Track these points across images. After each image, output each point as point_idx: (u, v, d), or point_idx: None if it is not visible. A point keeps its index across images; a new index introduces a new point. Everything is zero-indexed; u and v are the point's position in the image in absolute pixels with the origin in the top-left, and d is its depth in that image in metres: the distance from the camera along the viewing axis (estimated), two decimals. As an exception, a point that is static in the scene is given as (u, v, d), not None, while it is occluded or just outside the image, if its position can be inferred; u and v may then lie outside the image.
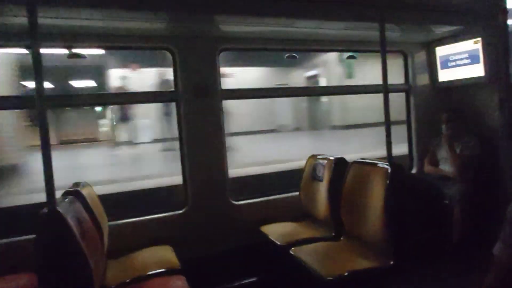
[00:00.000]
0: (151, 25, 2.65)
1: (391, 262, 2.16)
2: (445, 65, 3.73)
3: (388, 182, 2.20)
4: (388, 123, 2.34)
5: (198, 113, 2.94)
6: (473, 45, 3.41)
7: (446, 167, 3.50)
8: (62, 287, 1.65)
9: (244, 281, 2.99)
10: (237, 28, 2.89)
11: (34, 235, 1.63)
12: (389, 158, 2.34)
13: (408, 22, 3.06)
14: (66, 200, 1.92)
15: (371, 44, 3.45)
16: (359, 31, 3.10)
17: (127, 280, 2.20)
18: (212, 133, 2.99)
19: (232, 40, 3.10)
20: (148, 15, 2.45)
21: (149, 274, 2.24)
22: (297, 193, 3.23)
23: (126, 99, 3.05)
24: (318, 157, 3.11)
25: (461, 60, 3.56)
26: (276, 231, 2.90)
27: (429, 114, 3.80)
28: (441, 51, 3.75)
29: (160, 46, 2.95)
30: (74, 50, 2.74)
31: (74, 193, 2.17)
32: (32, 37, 1.67)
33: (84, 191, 2.28)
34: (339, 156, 2.90)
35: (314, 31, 3.05)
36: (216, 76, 2.99)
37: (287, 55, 3.46)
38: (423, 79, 3.85)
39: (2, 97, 2.64)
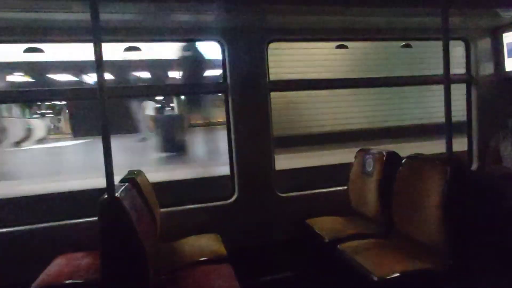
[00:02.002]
0: (201, 17, 2.70)
1: (448, 265, 2.04)
2: (513, 53, 3.41)
3: (447, 180, 2.06)
4: (449, 116, 2.18)
5: (246, 105, 2.95)
6: (548, 30, 3.08)
7: (511, 165, 3.21)
8: (121, 266, 1.77)
9: (289, 274, 2.99)
10: (286, 18, 2.84)
11: (96, 218, 1.74)
12: (449, 154, 2.19)
13: (473, 6, 2.81)
14: (123, 187, 2.03)
15: (429, 31, 3.23)
16: (418, 17, 2.91)
17: (178, 266, 2.29)
18: (259, 124, 2.99)
19: (281, 31, 3.06)
20: (198, 7, 2.49)
21: (197, 261, 2.32)
22: (344, 187, 3.15)
23: (177, 90, 3.15)
24: (368, 151, 2.99)
25: (532, 48, 3.24)
26: (322, 225, 2.85)
27: (493, 107, 3.50)
28: (508, 37, 3.43)
29: (210, 38, 2.99)
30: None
31: (130, 180, 2.29)
32: (94, 31, 1.76)
33: (139, 179, 2.40)
34: (391, 150, 2.77)
35: (368, 19, 2.92)
36: (264, 68, 2.98)
37: (336, 45, 3.35)
38: (486, 69, 3.55)
39: (67, 89, 2.83)
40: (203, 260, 2.34)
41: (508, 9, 3.02)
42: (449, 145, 2.20)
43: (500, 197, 3.00)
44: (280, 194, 3.06)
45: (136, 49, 2.83)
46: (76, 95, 2.95)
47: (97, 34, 1.77)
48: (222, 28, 2.88)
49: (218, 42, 2.94)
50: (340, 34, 3.21)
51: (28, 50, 2.63)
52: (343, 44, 3.38)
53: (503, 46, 3.47)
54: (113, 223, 1.75)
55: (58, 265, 2.25)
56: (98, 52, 1.77)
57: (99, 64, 1.78)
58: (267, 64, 3.00)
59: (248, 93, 2.95)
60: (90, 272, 2.12)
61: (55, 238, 2.55)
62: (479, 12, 3.07)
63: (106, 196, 1.76)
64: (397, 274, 1.98)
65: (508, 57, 3.45)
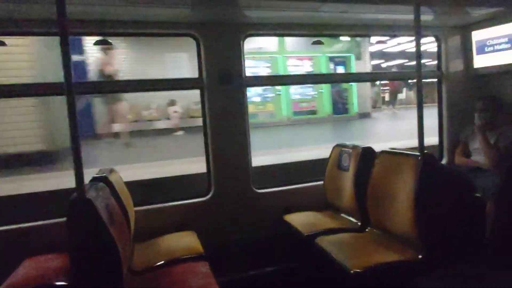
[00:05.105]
0: (175, 11, 2.63)
1: (420, 256, 2.09)
2: (481, 50, 3.52)
3: (418, 172, 2.12)
4: (421, 112, 2.24)
5: (222, 100, 2.92)
6: (514, 28, 3.20)
7: (479, 158, 3.34)
8: (92, 267, 1.70)
9: (267, 269, 2.99)
10: (262, 13, 2.82)
11: (65, 218, 1.67)
12: (421, 147, 2.24)
13: (444, 4, 2.89)
14: (94, 186, 1.96)
15: (403, 28, 3.30)
16: (391, 14, 2.96)
17: (153, 265, 2.25)
18: (236, 120, 2.96)
19: (257, 26, 3.03)
20: (172, 0, 2.42)
21: (174, 259, 2.28)
22: (321, 182, 3.18)
23: (150, 86, 3.07)
24: (345, 146, 3.03)
25: (499, 45, 3.35)
26: (299, 220, 2.87)
27: (462, 102, 3.63)
28: (477, 35, 3.54)
29: (185, 33, 2.92)
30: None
31: (102, 179, 2.22)
32: (60, 24, 1.68)
33: (112, 177, 2.33)
34: (366, 146, 2.82)
35: (342, 15, 2.94)
36: (240, 63, 2.95)
37: (313, 41, 3.36)
38: (456, 66, 3.66)
39: (32, 84, 2.70)
40: (180, 258, 2.30)
41: (477, 8, 3.12)
42: (421, 139, 2.26)
43: (469, 189, 3.11)
44: (257, 190, 3.05)
45: (107, 43, 2.72)
46: (41, 91, 2.81)
47: (63, 27, 1.68)
48: (197, 23, 2.83)
49: (193, 37, 2.88)
50: (315, 30, 3.23)
51: None
52: (319, 40, 3.39)
53: (472, 43, 3.59)
54: (83, 224, 1.68)
55: (26, 268, 2.15)
56: (64, 45, 1.69)
57: (65, 58, 1.70)
58: (243, 59, 2.97)
59: (224, 89, 2.91)
60: (59, 275, 2.04)
61: (24, 240, 2.43)
62: (449, 10, 3.16)
63: (75, 195, 1.69)
64: (371, 267, 2.02)
65: (477, 54, 3.57)
